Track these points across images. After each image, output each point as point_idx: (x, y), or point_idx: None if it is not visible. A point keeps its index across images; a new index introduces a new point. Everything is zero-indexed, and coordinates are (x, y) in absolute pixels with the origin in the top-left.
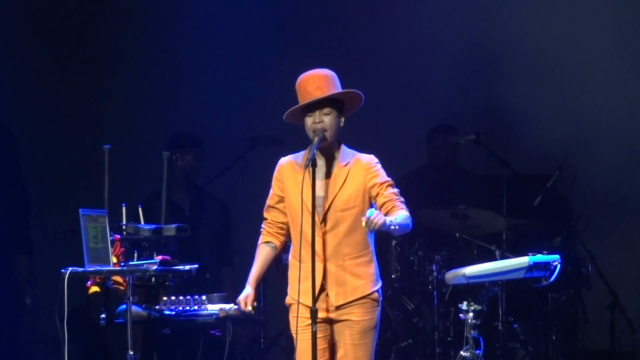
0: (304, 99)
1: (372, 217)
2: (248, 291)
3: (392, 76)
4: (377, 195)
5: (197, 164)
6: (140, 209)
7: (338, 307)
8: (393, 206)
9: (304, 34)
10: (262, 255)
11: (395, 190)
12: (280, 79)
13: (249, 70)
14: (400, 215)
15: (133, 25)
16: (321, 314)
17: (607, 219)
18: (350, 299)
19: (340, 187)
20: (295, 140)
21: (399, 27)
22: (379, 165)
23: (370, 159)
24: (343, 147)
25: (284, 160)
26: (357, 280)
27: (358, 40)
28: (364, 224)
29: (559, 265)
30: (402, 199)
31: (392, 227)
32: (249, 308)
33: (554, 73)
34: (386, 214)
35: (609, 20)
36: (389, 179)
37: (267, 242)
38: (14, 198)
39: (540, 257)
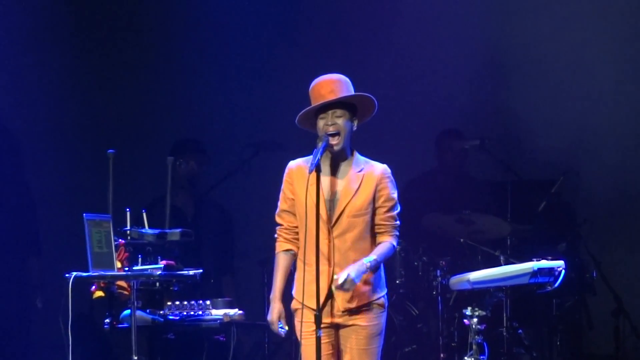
0: (316, 102)
1: (344, 286)
2: (279, 308)
3: (398, 82)
4: (376, 208)
5: (201, 170)
6: (144, 214)
7: (345, 312)
8: (384, 232)
9: (309, 39)
10: (284, 265)
11: (395, 213)
12: (285, 84)
13: (254, 76)
14: (380, 249)
15: (138, 30)
16: (327, 319)
17: (612, 225)
18: (357, 304)
19: (355, 194)
20: (300, 146)
21: (405, 33)
22: (391, 178)
23: (384, 170)
24: (356, 154)
25: (293, 164)
26: (364, 285)
27: (364, 46)
28: (333, 287)
29: (563, 271)
30: (397, 223)
31: (370, 269)
32: (286, 328)
33: (559, 79)
34: (375, 234)
35: (613, 27)
36: (394, 197)
37: (286, 250)
38: (20, 202)
39: (544, 263)
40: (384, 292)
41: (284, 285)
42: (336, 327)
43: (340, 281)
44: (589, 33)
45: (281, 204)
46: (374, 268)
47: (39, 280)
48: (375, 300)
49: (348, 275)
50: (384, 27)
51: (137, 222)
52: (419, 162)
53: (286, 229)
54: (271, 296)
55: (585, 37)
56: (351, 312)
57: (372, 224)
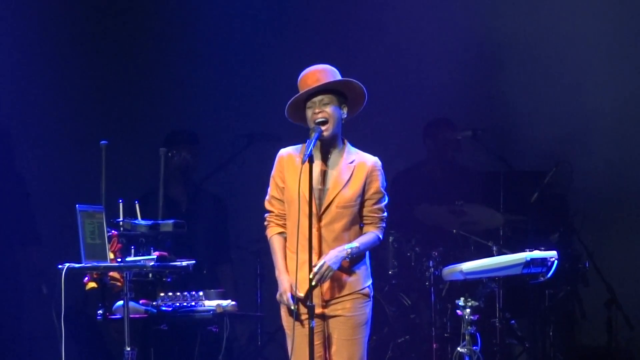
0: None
1: (320, 271)
2: (289, 279)
3: (390, 72)
4: (365, 200)
5: (194, 160)
6: (137, 205)
7: (329, 301)
8: (370, 223)
9: (301, 30)
10: (280, 246)
11: (382, 204)
12: (278, 75)
13: (247, 67)
14: (364, 238)
15: (130, 22)
16: (315, 310)
17: (604, 215)
18: (341, 294)
19: (345, 184)
20: (293, 136)
21: (397, 22)
22: (382, 171)
23: (375, 162)
24: (347, 144)
25: (284, 152)
26: (349, 275)
27: (356, 36)
28: (311, 276)
29: (556, 262)
30: (384, 215)
31: (351, 255)
32: (301, 294)
33: (552, 70)
34: (362, 225)
35: (605, 18)
36: (383, 190)
37: (279, 232)
38: (15, 193)
39: (537, 253)
40: (369, 282)
41: (285, 263)
42: (323, 317)
43: (315, 269)
44: (581, 23)
45: (271, 191)
46: (355, 255)
47: (40, 268)
48: (360, 290)
49: (324, 262)
50: (374, 17)
51: (130, 214)
52: (411, 153)
53: (277, 215)
54: (276, 273)
55: (578, 28)
56: (336, 302)
57: (360, 216)
